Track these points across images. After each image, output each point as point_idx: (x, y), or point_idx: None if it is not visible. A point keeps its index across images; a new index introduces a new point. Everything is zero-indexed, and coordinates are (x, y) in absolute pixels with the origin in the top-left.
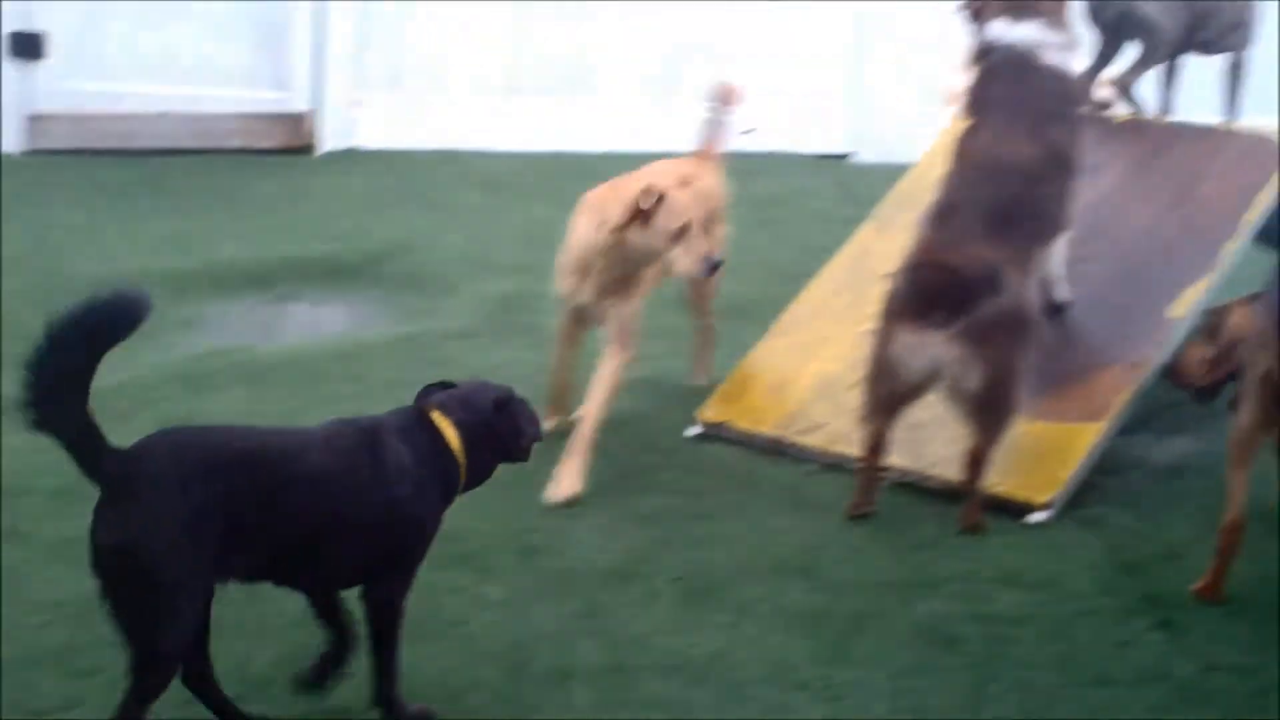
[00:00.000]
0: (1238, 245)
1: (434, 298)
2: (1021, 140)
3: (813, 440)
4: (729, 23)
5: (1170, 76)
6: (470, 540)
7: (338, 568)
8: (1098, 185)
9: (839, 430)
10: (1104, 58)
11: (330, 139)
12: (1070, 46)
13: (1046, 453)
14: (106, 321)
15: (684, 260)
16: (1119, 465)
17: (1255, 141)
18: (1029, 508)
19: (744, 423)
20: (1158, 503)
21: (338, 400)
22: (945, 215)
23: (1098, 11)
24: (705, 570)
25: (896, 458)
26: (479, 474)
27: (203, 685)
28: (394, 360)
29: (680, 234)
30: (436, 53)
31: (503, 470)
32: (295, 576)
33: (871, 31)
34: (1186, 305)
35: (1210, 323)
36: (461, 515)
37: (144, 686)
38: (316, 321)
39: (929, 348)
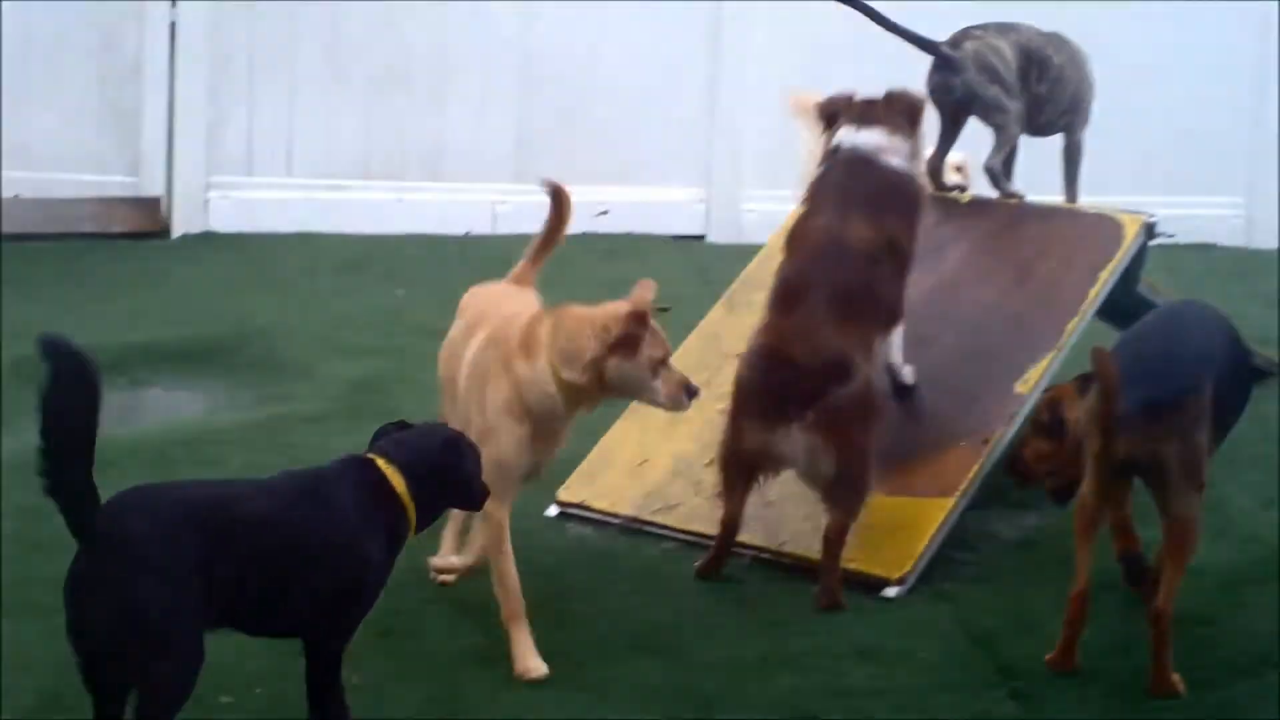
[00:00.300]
0: (1082, 322)
1: (288, 382)
2: (860, 225)
3: (670, 519)
4: (584, 107)
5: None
6: None
7: (288, 613)
8: (945, 264)
9: (695, 509)
10: (947, 139)
11: (184, 223)
12: (913, 154)
13: (899, 528)
14: (67, 389)
15: (664, 391)
16: (971, 539)
17: (1098, 220)
18: (883, 582)
19: (602, 503)
20: (1009, 576)
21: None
22: (788, 299)
23: (941, 94)
24: (564, 650)
25: (752, 536)
26: (429, 515)
27: None
28: (247, 446)
29: (661, 362)
30: (288, 137)
31: None
32: (252, 623)
33: (725, 118)
34: (1033, 381)
35: (1048, 417)
36: None
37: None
38: (170, 407)
39: (780, 439)
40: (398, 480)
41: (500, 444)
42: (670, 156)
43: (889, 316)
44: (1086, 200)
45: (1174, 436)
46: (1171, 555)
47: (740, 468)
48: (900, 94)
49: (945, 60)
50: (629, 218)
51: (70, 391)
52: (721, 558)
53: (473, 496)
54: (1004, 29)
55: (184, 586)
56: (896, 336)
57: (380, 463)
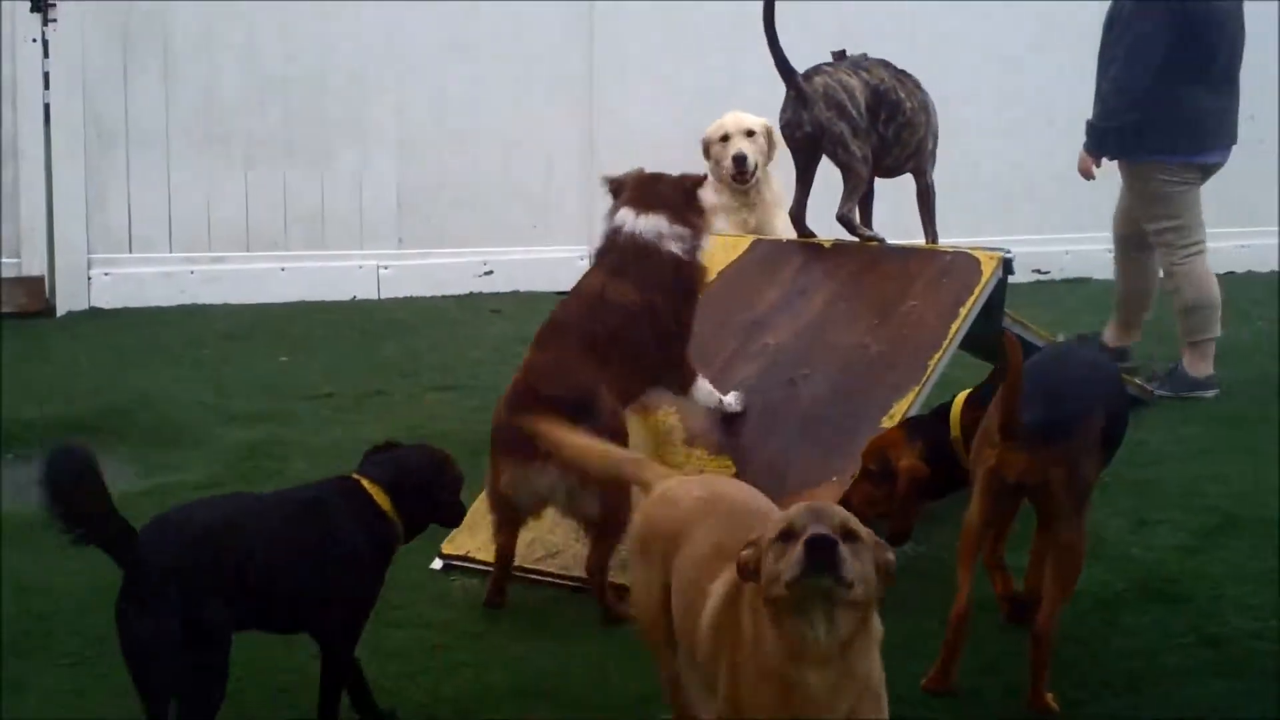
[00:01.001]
0: (944, 356)
1: (176, 451)
2: (625, 287)
3: (553, 565)
4: (463, 168)
5: (865, 203)
6: None
7: (300, 616)
8: (811, 306)
9: (578, 555)
10: (804, 181)
11: (68, 301)
12: (691, 239)
13: None
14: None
15: None
16: None
17: (956, 258)
18: None
19: (485, 554)
20: (888, 603)
21: (81, 555)
22: (547, 338)
23: (791, 129)
24: (449, 699)
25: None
26: (415, 527)
27: None
28: (138, 515)
29: None
30: (167, 211)
31: None
32: (272, 624)
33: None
34: (899, 416)
35: (876, 464)
36: None
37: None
38: None
39: (536, 478)
40: (382, 498)
41: None
42: (552, 212)
43: (675, 378)
44: (960, 242)
45: (1066, 460)
46: (1057, 577)
47: (505, 509)
48: (680, 179)
49: (798, 92)
50: (514, 276)
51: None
52: (501, 588)
53: (454, 513)
54: (856, 67)
55: (215, 599)
56: (703, 388)
57: (365, 483)
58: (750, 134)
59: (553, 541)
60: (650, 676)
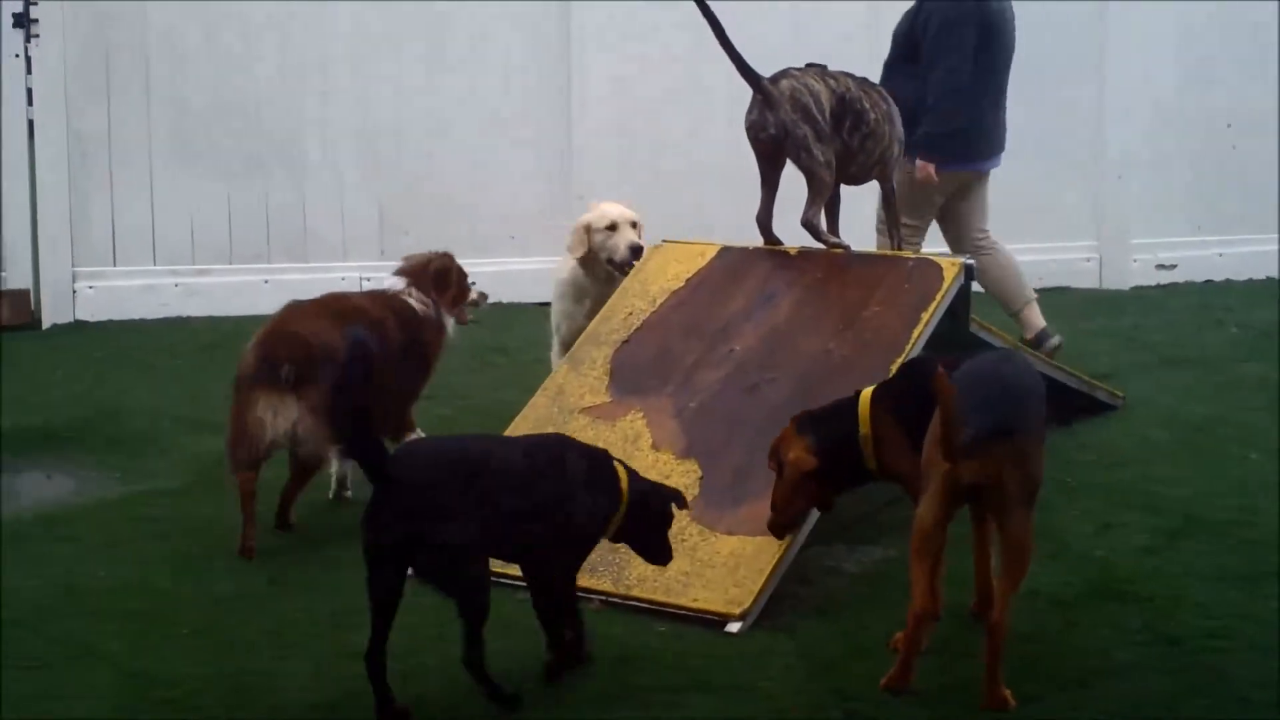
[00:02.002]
0: (906, 360)
1: (149, 458)
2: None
3: (514, 569)
4: (440, 179)
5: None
6: (182, 684)
7: (524, 546)
8: (776, 313)
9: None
10: (769, 185)
11: (53, 314)
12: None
13: (740, 566)
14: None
15: None
16: (812, 574)
17: (919, 265)
18: (725, 619)
19: None
20: (849, 607)
21: (51, 563)
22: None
23: (756, 130)
24: (413, 701)
25: (599, 581)
26: (632, 533)
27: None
28: (107, 521)
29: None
30: (151, 225)
31: (211, 612)
32: (506, 553)
33: (580, 182)
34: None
35: (774, 463)
36: (170, 662)
37: (475, 623)
38: (35, 490)
39: (283, 413)
40: (624, 477)
41: None
42: (530, 224)
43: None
44: (938, 251)
45: (1018, 459)
46: (1007, 574)
47: (246, 446)
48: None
49: (764, 95)
50: (492, 286)
51: (357, 375)
52: (249, 530)
53: (660, 548)
54: (824, 73)
55: (460, 518)
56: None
57: (618, 465)
58: (634, 225)
59: None
60: (610, 676)
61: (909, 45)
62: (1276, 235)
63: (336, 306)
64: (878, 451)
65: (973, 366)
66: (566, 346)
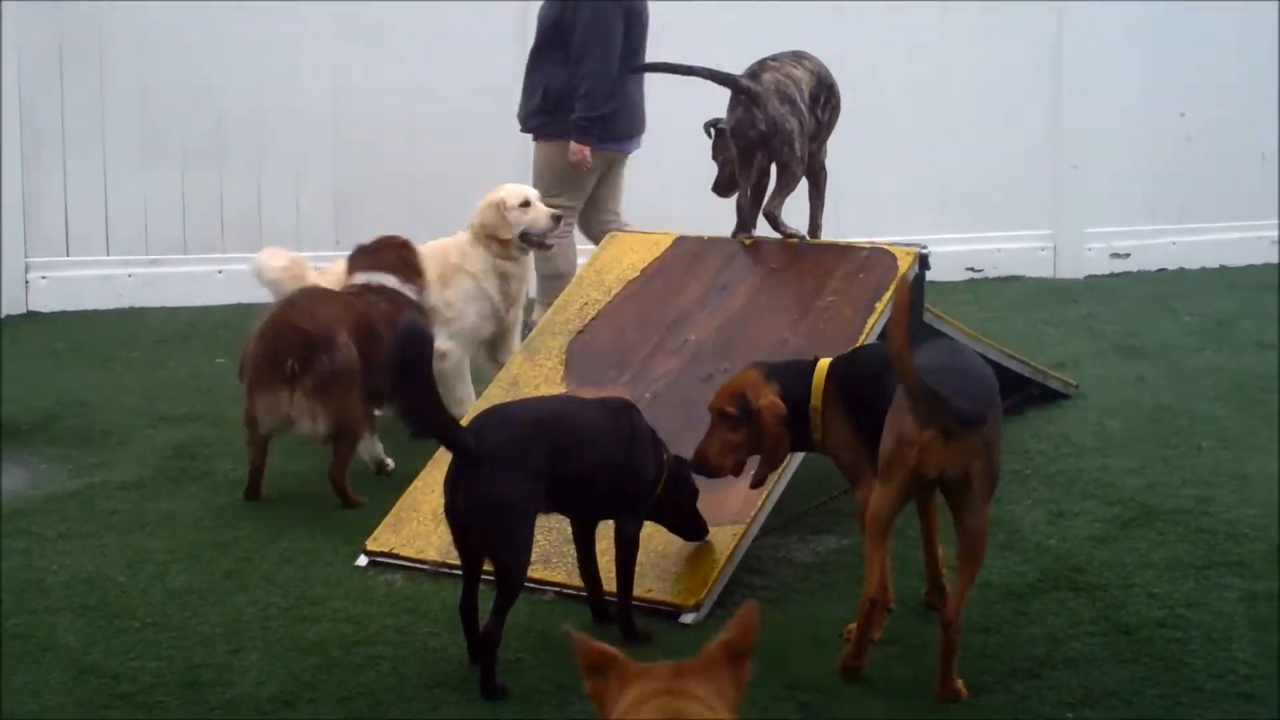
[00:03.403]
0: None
1: (107, 451)
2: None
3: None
4: (401, 171)
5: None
6: (137, 679)
7: (598, 501)
8: (732, 302)
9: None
10: (748, 176)
11: (7, 304)
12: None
13: (694, 557)
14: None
15: None
16: (766, 564)
17: (873, 254)
18: (679, 610)
19: (409, 550)
20: (803, 597)
21: (6, 556)
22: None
23: (744, 129)
24: (366, 691)
25: (554, 573)
26: (669, 503)
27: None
28: (63, 514)
29: None
30: (105, 214)
31: (167, 606)
32: (571, 507)
33: None
34: None
35: (737, 408)
36: (126, 656)
37: (508, 595)
38: None
39: (280, 404)
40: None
41: None
42: None
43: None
44: (895, 240)
45: (985, 453)
46: (966, 564)
47: (255, 431)
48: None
49: (747, 94)
50: None
51: (415, 363)
52: (257, 483)
53: (694, 524)
54: (798, 57)
55: (530, 483)
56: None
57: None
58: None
59: None
60: (566, 667)
61: (557, 34)
62: (1229, 224)
63: (340, 300)
64: (824, 426)
65: (928, 356)
66: (496, 347)
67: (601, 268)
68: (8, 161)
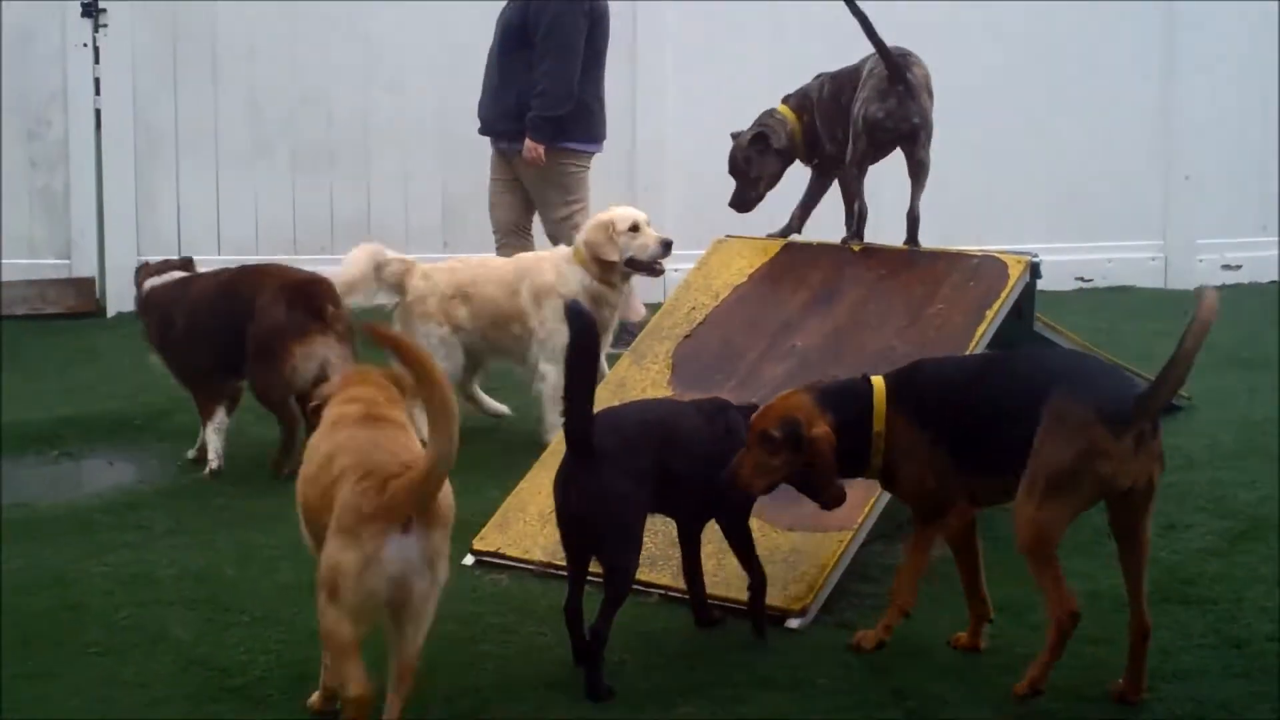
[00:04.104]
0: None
1: None
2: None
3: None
4: None
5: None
6: (246, 672)
7: (699, 501)
8: (840, 308)
9: None
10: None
11: (118, 302)
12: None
13: (801, 561)
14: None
15: None
16: (873, 571)
17: (984, 262)
18: (786, 614)
19: (515, 550)
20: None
21: (115, 549)
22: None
23: (897, 121)
24: (472, 690)
25: (660, 575)
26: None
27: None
28: (172, 510)
29: None
30: (215, 214)
31: (276, 600)
32: (675, 507)
33: (646, 178)
34: None
35: (782, 433)
36: (234, 649)
37: (617, 595)
38: (99, 477)
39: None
40: None
41: None
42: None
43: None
44: (1004, 249)
45: (1161, 455)
46: (1140, 574)
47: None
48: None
49: (906, 85)
50: None
51: (584, 347)
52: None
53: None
54: (905, 55)
55: (640, 483)
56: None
57: None
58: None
59: None
60: (669, 670)
61: (524, 35)
62: None
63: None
64: (887, 456)
65: (1066, 358)
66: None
67: (709, 272)
68: (122, 161)
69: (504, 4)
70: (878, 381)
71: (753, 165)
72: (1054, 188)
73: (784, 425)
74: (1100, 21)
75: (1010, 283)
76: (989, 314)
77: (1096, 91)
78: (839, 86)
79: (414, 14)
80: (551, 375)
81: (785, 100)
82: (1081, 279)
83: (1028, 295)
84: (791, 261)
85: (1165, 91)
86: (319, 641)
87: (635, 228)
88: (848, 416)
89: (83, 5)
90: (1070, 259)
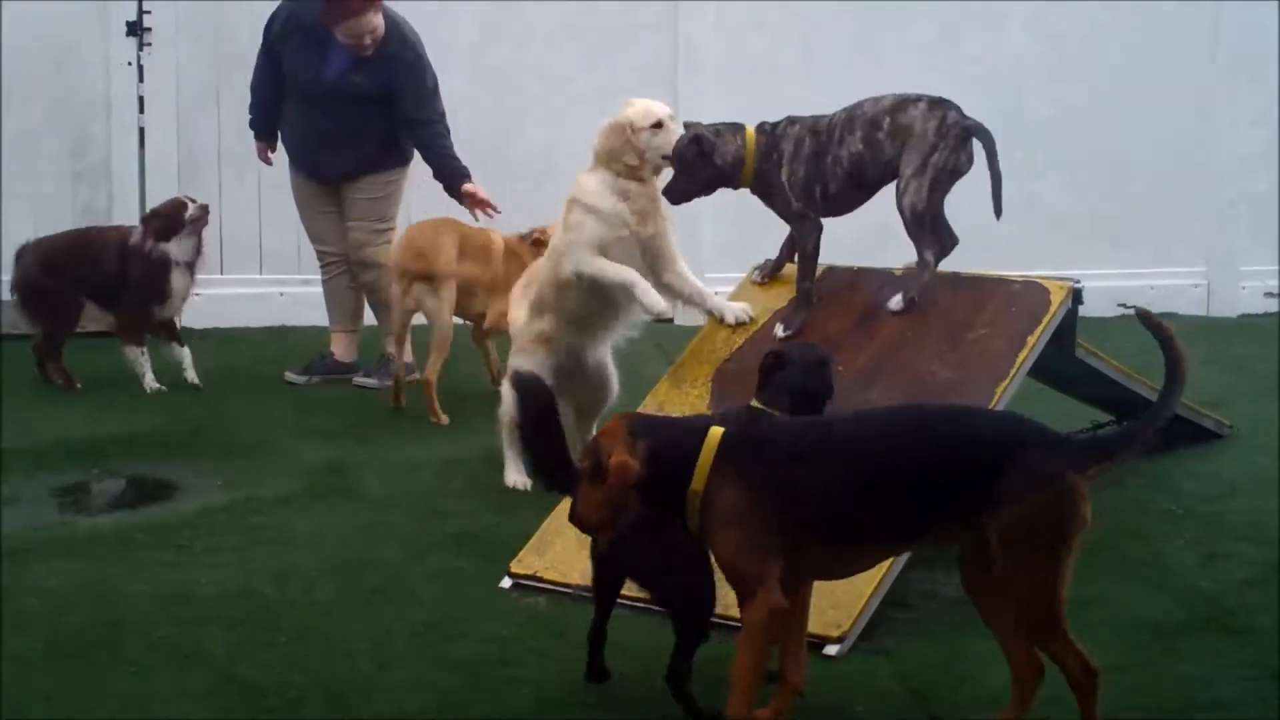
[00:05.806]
0: (1011, 385)
1: (255, 466)
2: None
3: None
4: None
5: None
6: (283, 692)
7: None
8: (880, 331)
9: None
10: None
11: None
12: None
13: (838, 587)
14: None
15: None
16: (911, 598)
17: (1025, 287)
18: (824, 641)
19: (552, 574)
20: (947, 631)
21: (154, 567)
22: None
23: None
24: (510, 713)
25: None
26: None
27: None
28: (212, 528)
29: None
30: (258, 233)
31: (313, 620)
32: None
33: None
34: None
35: (590, 462)
36: (271, 668)
37: (691, 644)
38: (139, 495)
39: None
40: None
41: None
42: None
43: None
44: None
45: None
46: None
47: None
48: None
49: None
50: None
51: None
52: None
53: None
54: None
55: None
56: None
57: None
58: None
59: None
60: (709, 695)
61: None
62: None
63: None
64: (704, 518)
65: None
66: (655, 270)
67: (749, 296)
68: (165, 179)
69: None
70: (714, 434)
71: (686, 164)
72: (1097, 213)
73: (590, 451)
74: (1144, 47)
75: (1052, 308)
76: (1030, 340)
77: (1140, 117)
78: (820, 144)
79: (469, 30)
80: (574, 254)
81: (760, 129)
82: (1123, 305)
83: (1069, 322)
84: (832, 285)
85: (1209, 117)
86: (354, 661)
87: (659, 124)
88: (662, 455)
89: (127, 24)
90: (1112, 285)
